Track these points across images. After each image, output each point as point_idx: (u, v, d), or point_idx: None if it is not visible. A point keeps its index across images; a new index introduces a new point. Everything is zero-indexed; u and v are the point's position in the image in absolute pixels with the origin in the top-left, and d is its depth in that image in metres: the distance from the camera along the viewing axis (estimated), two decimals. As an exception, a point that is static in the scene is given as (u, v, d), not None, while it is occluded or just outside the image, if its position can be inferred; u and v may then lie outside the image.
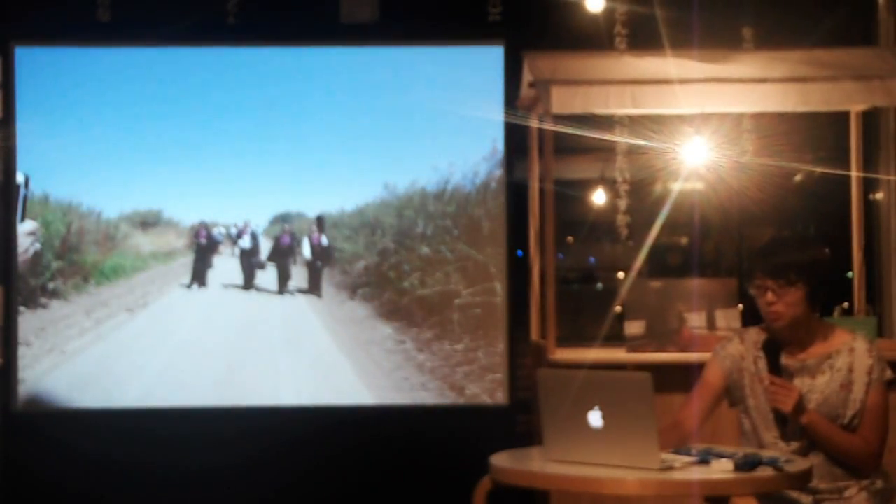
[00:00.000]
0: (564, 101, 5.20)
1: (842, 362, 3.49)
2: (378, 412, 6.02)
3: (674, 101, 5.18)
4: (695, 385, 3.63)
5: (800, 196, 6.57)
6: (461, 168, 6.10)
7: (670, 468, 3.02)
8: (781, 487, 3.26)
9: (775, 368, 3.47)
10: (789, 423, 3.43)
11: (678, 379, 5.00)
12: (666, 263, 7.07)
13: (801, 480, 3.15)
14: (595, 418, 3.04)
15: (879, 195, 6.08)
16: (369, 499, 5.96)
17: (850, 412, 3.46)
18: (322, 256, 6.16)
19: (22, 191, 5.99)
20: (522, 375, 5.96)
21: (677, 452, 3.17)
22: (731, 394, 3.60)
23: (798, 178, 6.53)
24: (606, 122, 5.91)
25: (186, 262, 6.14)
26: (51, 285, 6.04)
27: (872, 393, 3.47)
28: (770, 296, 3.47)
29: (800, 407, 3.39)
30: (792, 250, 3.51)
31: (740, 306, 5.51)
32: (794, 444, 3.46)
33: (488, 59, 6.01)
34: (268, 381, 6.05)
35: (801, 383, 3.47)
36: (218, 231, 6.14)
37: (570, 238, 7.24)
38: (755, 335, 3.57)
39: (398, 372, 6.05)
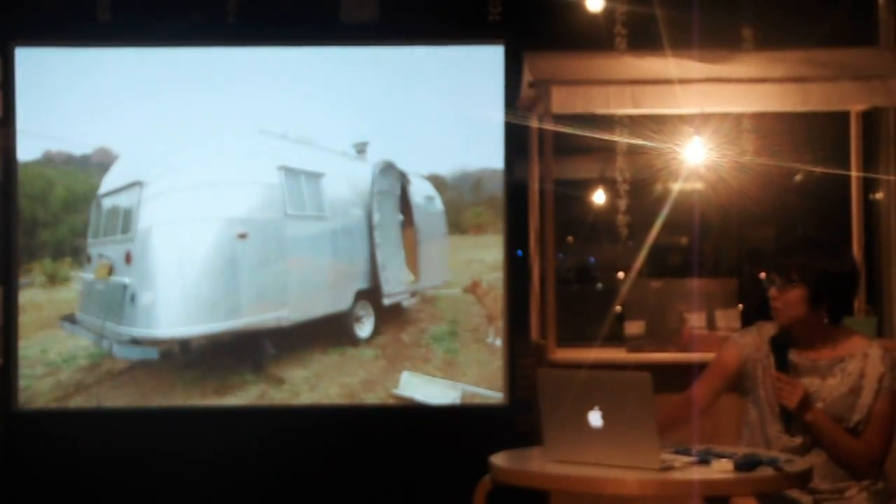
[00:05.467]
0: (564, 101, 5.20)
1: (854, 367, 3.49)
2: (378, 412, 6.02)
3: (674, 101, 5.18)
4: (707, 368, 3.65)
5: (800, 196, 6.56)
6: (460, 168, 6.10)
7: (670, 468, 3.02)
8: (781, 487, 3.27)
9: (781, 364, 3.48)
10: (794, 420, 3.44)
11: (678, 379, 5.00)
12: (666, 263, 7.07)
13: (801, 480, 3.15)
14: (595, 418, 3.04)
15: (879, 195, 6.08)
16: (369, 498, 5.96)
17: (857, 417, 3.46)
18: (322, 256, 6.17)
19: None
20: (522, 375, 5.96)
21: (677, 452, 3.17)
22: (742, 382, 3.61)
23: (798, 178, 6.53)
24: (606, 122, 5.91)
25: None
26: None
27: (881, 400, 3.47)
28: (773, 291, 3.51)
29: (804, 404, 3.41)
30: (804, 252, 3.53)
31: (740, 306, 5.51)
32: (798, 440, 3.47)
33: (488, 59, 6.01)
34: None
35: (809, 383, 3.48)
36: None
37: (570, 238, 7.24)
38: (771, 329, 3.59)
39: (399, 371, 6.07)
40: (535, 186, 5.87)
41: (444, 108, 5.99)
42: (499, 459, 3.25)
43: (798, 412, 3.42)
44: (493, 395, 6.02)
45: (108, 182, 6.07)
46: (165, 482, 5.89)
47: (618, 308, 5.74)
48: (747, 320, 5.19)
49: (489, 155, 6.04)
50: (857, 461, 3.45)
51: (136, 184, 6.03)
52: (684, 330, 5.39)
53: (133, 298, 5.97)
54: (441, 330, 6.10)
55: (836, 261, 3.53)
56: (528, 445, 3.54)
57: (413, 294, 6.18)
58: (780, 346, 3.51)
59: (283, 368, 6.06)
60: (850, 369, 3.49)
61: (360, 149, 6.10)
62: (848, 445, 3.44)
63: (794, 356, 3.52)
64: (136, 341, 6.01)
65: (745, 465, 3.03)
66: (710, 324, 5.39)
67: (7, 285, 6.02)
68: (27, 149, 6.04)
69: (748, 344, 3.60)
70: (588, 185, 6.62)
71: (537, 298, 5.75)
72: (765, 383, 3.54)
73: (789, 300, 3.49)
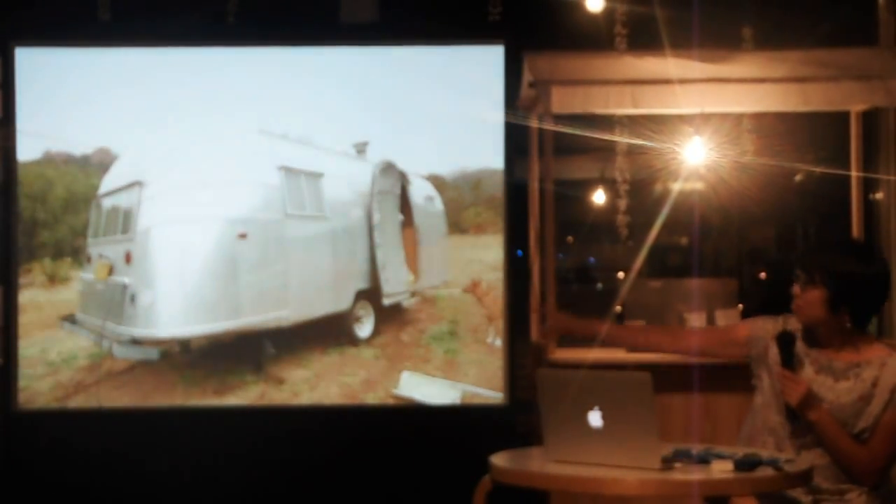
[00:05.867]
0: (564, 101, 5.20)
1: (869, 374, 3.47)
2: (378, 412, 6.02)
3: (674, 101, 5.18)
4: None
5: (800, 196, 6.57)
6: (460, 168, 6.10)
7: (670, 468, 3.02)
8: (781, 487, 3.27)
9: (787, 361, 3.49)
10: (798, 418, 3.45)
11: (678, 379, 5.01)
12: (666, 263, 7.07)
13: (801, 480, 3.15)
14: (595, 418, 3.04)
15: (879, 195, 6.08)
16: (369, 498, 5.96)
17: (862, 424, 3.45)
18: (322, 256, 6.17)
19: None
20: (522, 375, 5.96)
21: (677, 452, 3.17)
22: (750, 365, 3.63)
23: (798, 178, 6.53)
24: (606, 122, 5.91)
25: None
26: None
27: (891, 411, 3.44)
28: (796, 288, 3.52)
29: (806, 402, 3.41)
30: (830, 254, 3.55)
31: (740, 306, 5.51)
32: (805, 438, 3.47)
33: (488, 59, 6.01)
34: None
35: (822, 382, 3.48)
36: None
37: (570, 238, 7.24)
38: (794, 323, 3.60)
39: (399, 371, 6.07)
40: (535, 186, 5.86)
41: (444, 108, 5.99)
42: (499, 459, 3.25)
43: (800, 409, 3.42)
44: (493, 395, 6.02)
45: (108, 182, 6.08)
46: (165, 482, 5.89)
47: (618, 308, 5.74)
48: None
49: (489, 155, 6.04)
50: (858, 468, 3.43)
51: (136, 184, 6.03)
52: (684, 330, 5.39)
53: (133, 298, 5.97)
54: (441, 330, 6.10)
55: (862, 266, 3.49)
56: (528, 445, 3.54)
57: (413, 294, 6.18)
58: (786, 342, 3.52)
59: (283, 368, 6.06)
60: (864, 376, 3.47)
61: (360, 149, 6.10)
62: (850, 450, 3.43)
63: (812, 352, 3.53)
64: (136, 341, 6.01)
65: (745, 465, 3.03)
66: (710, 324, 5.39)
67: (7, 285, 6.02)
68: (27, 149, 6.05)
69: (764, 328, 3.62)
70: (588, 185, 6.62)
71: (537, 298, 5.75)
72: (773, 373, 3.55)
73: (809, 300, 3.49)
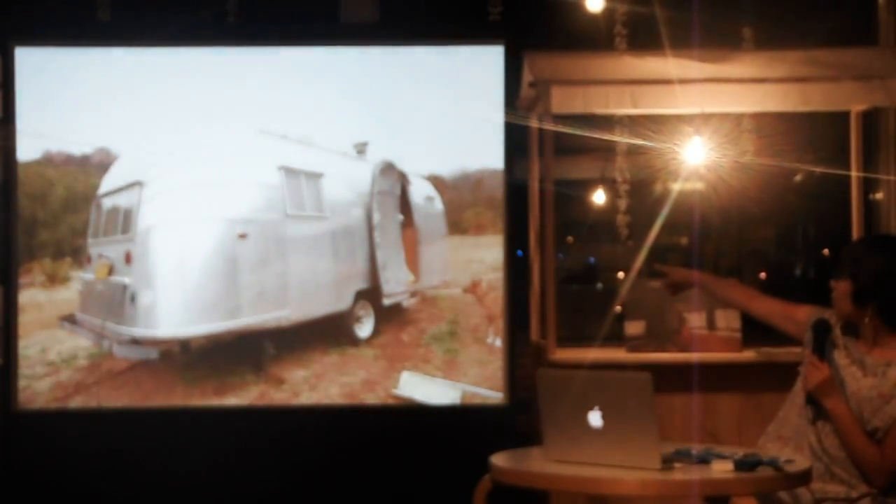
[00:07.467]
0: (564, 101, 5.20)
1: (894, 374, 3.47)
2: (378, 412, 6.02)
3: (674, 101, 5.18)
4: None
5: (800, 196, 6.57)
6: (460, 168, 6.10)
7: (670, 468, 3.02)
8: (781, 487, 3.27)
9: (816, 347, 3.53)
10: (817, 404, 3.48)
11: (678, 379, 5.02)
12: (666, 264, 7.06)
13: (801, 480, 3.16)
14: (595, 418, 3.05)
15: (879, 195, 6.08)
16: (369, 499, 5.96)
17: (877, 423, 3.45)
18: (322, 256, 6.17)
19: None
20: (522, 375, 5.97)
21: (677, 452, 3.17)
22: (803, 347, 3.66)
23: (798, 178, 6.53)
24: (606, 122, 5.91)
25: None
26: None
27: None
28: (832, 281, 3.57)
29: (822, 388, 3.44)
30: (865, 248, 3.62)
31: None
32: (825, 425, 3.49)
33: (488, 59, 6.01)
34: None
35: (853, 372, 3.51)
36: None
37: (570, 238, 7.24)
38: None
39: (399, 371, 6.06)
40: (535, 186, 5.87)
41: (444, 108, 5.99)
42: (499, 459, 3.25)
43: (816, 394, 3.45)
44: (493, 395, 6.02)
45: (108, 182, 6.07)
46: (165, 482, 5.89)
47: (618, 308, 5.74)
48: (747, 321, 5.20)
49: (489, 155, 6.04)
50: (868, 466, 3.43)
51: (136, 184, 6.03)
52: (684, 330, 5.40)
53: (133, 298, 5.97)
54: (441, 330, 6.10)
55: (891, 262, 3.49)
56: (528, 445, 3.54)
57: (413, 294, 6.18)
58: (820, 330, 3.56)
59: (283, 368, 6.06)
60: (889, 375, 3.47)
61: (360, 149, 6.10)
62: (862, 446, 3.43)
63: (850, 343, 3.55)
64: (136, 341, 6.01)
65: (745, 465, 3.03)
66: (710, 324, 5.40)
67: (7, 285, 6.02)
68: (27, 149, 6.04)
69: (819, 315, 3.63)
70: (588, 185, 6.62)
71: (537, 298, 5.75)
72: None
73: (839, 292, 3.54)
